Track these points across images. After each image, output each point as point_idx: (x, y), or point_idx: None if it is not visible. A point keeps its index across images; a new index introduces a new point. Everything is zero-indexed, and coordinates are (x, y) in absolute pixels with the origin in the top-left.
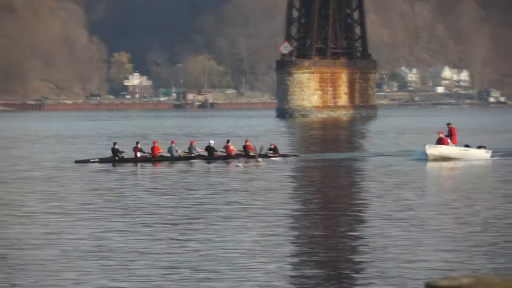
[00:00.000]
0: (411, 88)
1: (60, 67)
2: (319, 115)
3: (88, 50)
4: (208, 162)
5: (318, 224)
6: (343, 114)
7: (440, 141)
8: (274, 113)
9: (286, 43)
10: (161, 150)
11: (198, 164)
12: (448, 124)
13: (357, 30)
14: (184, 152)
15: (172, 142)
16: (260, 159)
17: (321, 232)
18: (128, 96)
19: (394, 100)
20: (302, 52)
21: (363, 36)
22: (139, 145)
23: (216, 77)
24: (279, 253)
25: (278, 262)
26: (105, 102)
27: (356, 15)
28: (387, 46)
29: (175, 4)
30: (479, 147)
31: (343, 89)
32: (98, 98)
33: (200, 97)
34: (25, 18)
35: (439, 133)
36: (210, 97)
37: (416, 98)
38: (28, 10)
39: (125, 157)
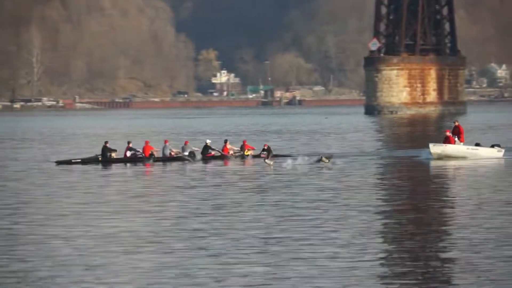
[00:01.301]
0: (501, 84)
1: (148, 65)
2: (408, 112)
3: (176, 48)
4: (204, 162)
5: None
6: (432, 111)
7: (447, 140)
8: (362, 110)
9: (375, 40)
10: (155, 150)
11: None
12: (455, 122)
13: (446, 26)
14: (178, 151)
15: (165, 141)
16: (268, 161)
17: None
18: (215, 94)
19: (483, 96)
20: (391, 49)
21: (452, 33)
22: (130, 145)
23: (304, 74)
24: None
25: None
26: (193, 100)
27: (445, 11)
28: (477, 42)
29: (263, 1)
30: (492, 146)
31: (432, 85)
32: (186, 95)
33: (288, 94)
34: (113, 16)
35: (446, 131)
36: (298, 94)
37: (506, 94)
38: (116, 8)
39: (115, 156)
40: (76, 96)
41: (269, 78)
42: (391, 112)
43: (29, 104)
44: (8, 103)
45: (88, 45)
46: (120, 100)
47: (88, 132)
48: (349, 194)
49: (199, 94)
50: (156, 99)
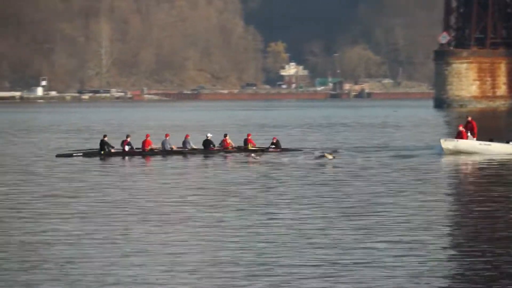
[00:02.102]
0: None
1: (217, 56)
2: (478, 105)
3: (244, 39)
4: (205, 157)
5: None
6: (502, 105)
7: (459, 135)
8: (431, 103)
9: (445, 33)
10: (153, 146)
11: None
12: (467, 116)
13: None
14: (178, 146)
15: (166, 135)
16: (254, 154)
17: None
18: (284, 86)
19: None
20: (461, 42)
21: None
22: (128, 139)
23: (373, 66)
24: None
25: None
26: (261, 92)
27: None
28: None
29: None
30: (507, 142)
31: (502, 79)
32: (254, 88)
33: (356, 87)
34: (182, 7)
35: (459, 126)
36: (367, 87)
37: None
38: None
39: (113, 151)
40: (144, 88)
41: (338, 71)
42: (461, 106)
43: (97, 95)
44: (77, 94)
45: (157, 37)
46: (188, 92)
47: (156, 124)
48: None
49: (267, 86)
50: (224, 91)
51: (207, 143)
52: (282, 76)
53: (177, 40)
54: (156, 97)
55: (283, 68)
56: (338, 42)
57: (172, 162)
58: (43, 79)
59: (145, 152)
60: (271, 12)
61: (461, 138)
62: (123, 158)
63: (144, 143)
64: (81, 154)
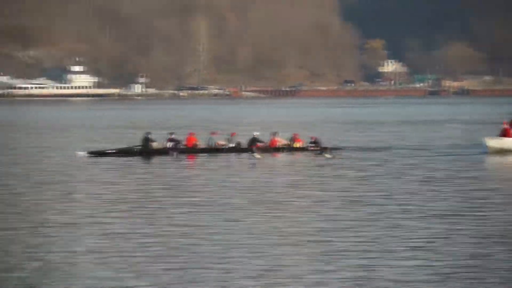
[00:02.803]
0: None
1: (315, 54)
2: None
3: (342, 37)
4: (251, 154)
5: None
6: None
7: (504, 133)
8: None
9: None
10: (197, 142)
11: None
12: None
13: None
14: (223, 143)
15: (212, 134)
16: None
17: None
18: (383, 83)
19: None
20: None
21: None
22: (172, 136)
23: (473, 63)
24: None
25: None
26: (360, 89)
27: None
28: None
29: None
30: None
31: None
32: (353, 84)
33: (455, 84)
34: (278, 4)
35: (503, 123)
36: (466, 84)
37: None
38: None
39: (154, 147)
40: (242, 85)
41: (437, 68)
42: None
43: (195, 92)
44: (175, 91)
45: (254, 33)
46: (287, 89)
47: (254, 120)
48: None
49: (366, 83)
50: (322, 88)
51: (253, 141)
52: (380, 73)
53: (273, 37)
54: (253, 94)
55: (381, 65)
56: (437, 39)
57: (218, 160)
58: (142, 76)
59: (189, 149)
60: (369, 9)
61: (506, 136)
62: (166, 155)
63: (187, 139)
64: (115, 151)
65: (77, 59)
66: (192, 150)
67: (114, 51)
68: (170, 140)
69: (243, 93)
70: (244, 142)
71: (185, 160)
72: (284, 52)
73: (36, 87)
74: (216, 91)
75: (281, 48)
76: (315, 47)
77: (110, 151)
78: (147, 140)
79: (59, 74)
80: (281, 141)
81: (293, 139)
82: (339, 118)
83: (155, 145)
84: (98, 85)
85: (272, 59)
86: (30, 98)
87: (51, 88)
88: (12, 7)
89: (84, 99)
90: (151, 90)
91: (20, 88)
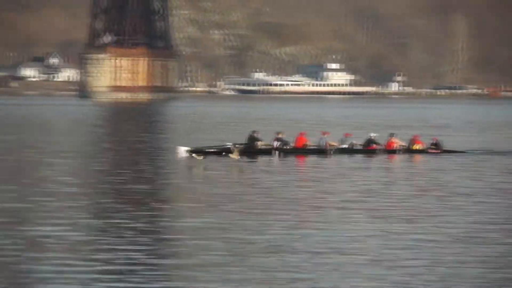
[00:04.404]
0: None
1: None
2: None
3: None
4: (367, 156)
5: None
6: None
7: None
8: None
9: None
10: (308, 142)
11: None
12: None
13: None
14: (334, 144)
15: (322, 133)
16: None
17: None
18: None
19: None
20: None
21: None
22: (280, 135)
23: None
24: None
25: None
26: None
27: None
28: None
29: None
30: None
31: None
32: None
33: None
34: None
35: None
36: None
37: None
38: None
39: (260, 147)
40: (501, 85)
41: None
42: None
43: (453, 91)
44: (432, 90)
45: None
46: None
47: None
48: None
49: None
50: None
51: (368, 142)
52: None
53: None
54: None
55: None
56: None
57: (329, 161)
58: (399, 75)
59: (298, 150)
60: None
61: None
62: (273, 154)
63: (297, 140)
64: (214, 150)
65: (333, 56)
66: (298, 151)
67: (371, 49)
68: (277, 139)
69: (502, 93)
70: (358, 143)
71: (290, 161)
72: None
73: (291, 84)
74: (475, 90)
75: None
76: None
77: (209, 150)
78: (252, 139)
79: (315, 71)
80: (398, 142)
81: (412, 141)
82: None
83: (259, 144)
84: (354, 83)
85: None
86: (286, 95)
87: (306, 85)
88: (271, 6)
89: (339, 97)
90: (408, 89)
91: (276, 85)
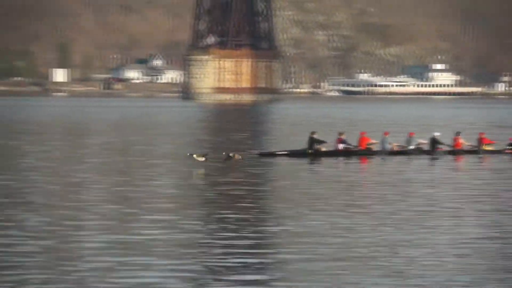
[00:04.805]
0: None
1: None
2: None
3: None
4: (432, 158)
5: None
6: None
7: None
8: None
9: None
10: (373, 141)
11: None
12: None
13: None
14: (399, 145)
15: (385, 133)
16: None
17: None
18: None
19: None
20: None
21: None
22: (342, 136)
23: None
24: None
25: None
26: None
27: None
28: None
29: None
30: None
31: None
32: None
33: None
34: None
35: None
36: None
37: None
38: None
39: (323, 149)
40: None
41: None
42: None
43: None
44: None
45: None
46: None
47: None
48: None
49: None
50: None
51: (433, 142)
52: None
53: None
54: None
55: None
56: None
57: (392, 163)
58: (505, 75)
59: (361, 151)
60: None
61: None
62: (336, 157)
63: (360, 141)
64: (286, 153)
65: (438, 57)
66: (364, 152)
67: (477, 49)
68: (340, 141)
69: None
70: (424, 141)
71: (359, 163)
72: None
73: (396, 85)
74: None
75: None
76: None
77: (280, 153)
78: (312, 141)
79: (420, 72)
80: (464, 142)
81: (480, 141)
82: None
83: (322, 145)
84: (460, 83)
85: None
86: (391, 96)
87: (411, 86)
88: (376, 6)
89: (445, 98)
90: None
91: (381, 86)
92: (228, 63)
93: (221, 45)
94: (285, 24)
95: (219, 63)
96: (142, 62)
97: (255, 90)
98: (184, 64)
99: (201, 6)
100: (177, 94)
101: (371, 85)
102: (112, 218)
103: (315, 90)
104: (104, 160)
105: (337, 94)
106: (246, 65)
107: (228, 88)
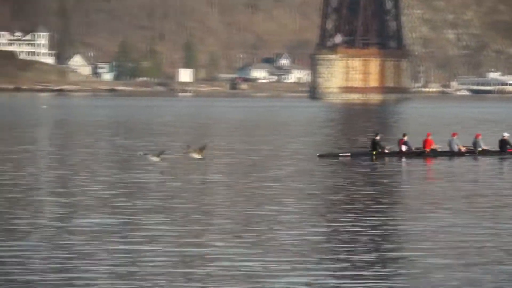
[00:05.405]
0: None
1: None
2: None
3: None
4: (500, 158)
5: None
6: None
7: None
8: None
9: None
10: (436, 146)
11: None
12: None
13: None
14: (467, 147)
15: (453, 135)
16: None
17: None
18: None
19: None
20: None
21: None
22: (405, 138)
23: None
24: None
25: None
26: None
27: None
28: None
29: None
30: None
31: None
32: None
33: None
34: None
35: None
36: None
37: None
38: None
39: (386, 151)
40: None
41: None
42: None
43: None
44: None
45: None
46: None
47: None
48: None
49: None
50: None
51: (503, 143)
52: None
53: None
54: None
55: None
56: None
57: (459, 164)
58: None
59: (426, 153)
60: None
61: None
62: (399, 158)
63: (424, 142)
64: (348, 154)
65: None
66: (427, 154)
67: None
68: (403, 143)
69: None
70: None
71: (421, 164)
72: None
73: None
74: None
75: None
76: None
77: (342, 154)
78: (374, 143)
79: None
80: None
81: None
82: None
83: (385, 147)
84: None
85: None
86: None
87: None
88: (507, 3)
89: None
90: None
91: (511, 84)
92: (356, 62)
93: (349, 44)
94: (413, 23)
95: (346, 62)
96: (268, 61)
97: (383, 89)
98: (312, 63)
99: (329, 5)
100: (304, 94)
101: (502, 84)
102: (242, 220)
103: (444, 89)
104: (234, 160)
105: (466, 93)
106: (374, 64)
107: (356, 88)
